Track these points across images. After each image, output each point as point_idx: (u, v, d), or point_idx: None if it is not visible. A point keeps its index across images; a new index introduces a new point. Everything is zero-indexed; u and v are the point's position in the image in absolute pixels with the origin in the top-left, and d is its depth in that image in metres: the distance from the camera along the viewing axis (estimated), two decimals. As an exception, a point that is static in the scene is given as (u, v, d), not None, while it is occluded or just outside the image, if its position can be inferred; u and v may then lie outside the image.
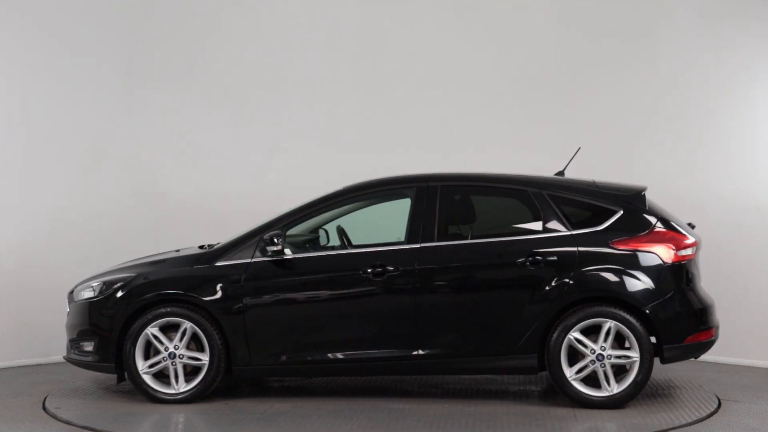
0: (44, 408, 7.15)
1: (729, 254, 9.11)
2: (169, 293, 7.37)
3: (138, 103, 10.05)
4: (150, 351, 7.40)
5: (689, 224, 7.52)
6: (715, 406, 7.09)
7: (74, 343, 7.64)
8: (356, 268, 7.26)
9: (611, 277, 7.00)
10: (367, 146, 10.49)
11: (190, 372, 7.36)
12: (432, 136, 10.50)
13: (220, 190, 10.34)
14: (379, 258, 7.26)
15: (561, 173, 7.91)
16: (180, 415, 6.96)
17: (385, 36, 10.69)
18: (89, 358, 7.52)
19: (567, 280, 7.02)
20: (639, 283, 6.97)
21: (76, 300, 7.75)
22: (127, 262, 8.15)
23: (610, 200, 7.27)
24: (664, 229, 7.11)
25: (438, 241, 7.28)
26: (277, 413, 6.97)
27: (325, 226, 7.92)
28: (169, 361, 7.30)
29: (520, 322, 7.05)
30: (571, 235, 7.14)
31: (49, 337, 9.31)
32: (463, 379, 8.03)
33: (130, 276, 7.59)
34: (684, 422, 6.56)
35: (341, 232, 7.82)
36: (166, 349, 7.30)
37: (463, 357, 7.20)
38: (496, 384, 7.92)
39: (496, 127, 10.36)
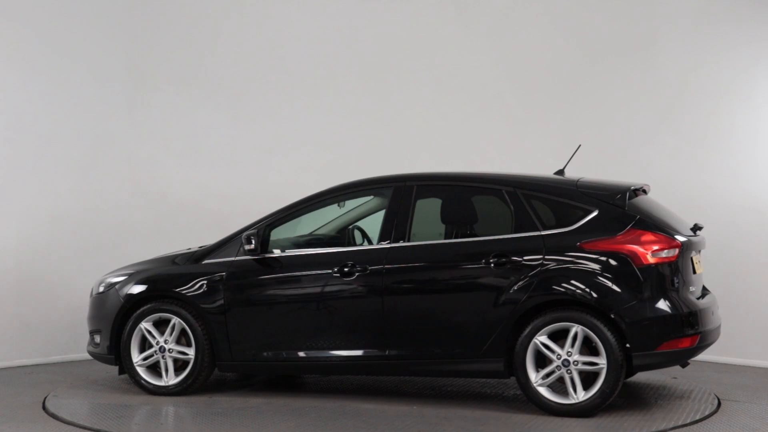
0: (44, 408, 7.15)
1: (729, 254, 9.11)
2: (159, 290, 7.67)
3: (138, 103, 10.05)
4: (145, 345, 7.68)
5: (696, 226, 7.26)
6: (715, 406, 7.08)
7: (90, 336, 8.01)
8: (328, 267, 7.29)
9: (577, 280, 6.68)
10: (367, 146, 10.49)
11: (181, 366, 7.61)
12: (432, 135, 10.50)
13: (220, 190, 10.34)
14: (350, 258, 7.27)
15: (561, 172, 7.67)
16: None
17: (385, 36, 10.69)
18: (98, 350, 7.89)
19: (532, 283, 6.74)
20: (606, 286, 6.62)
21: (92, 294, 8.10)
22: (143, 260, 8.33)
23: (586, 200, 6.92)
24: (640, 230, 6.72)
25: (409, 241, 7.19)
26: (242, 407, 7.14)
27: (350, 226, 7.86)
28: (159, 355, 7.59)
29: (485, 325, 6.83)
30: (540, 235, 6.85)
31: (49, 337, 9.32)
32: (457, 381, 7.96)
33: (130, 272, 7.89)
34: (684, 422, 6.56)
35: (361, 232, 7.83)
36: (158, 343, 7.59)
37: (431, 359, 7.05)
38: (491, 387, 7.91)
39: (496, 127, 10.37)
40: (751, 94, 9.27)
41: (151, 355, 7.60)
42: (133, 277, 7.79)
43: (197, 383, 7.55)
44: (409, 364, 7.17)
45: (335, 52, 10.73)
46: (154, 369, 7.66)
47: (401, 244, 7.18)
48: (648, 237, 6.70)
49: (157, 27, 10.19)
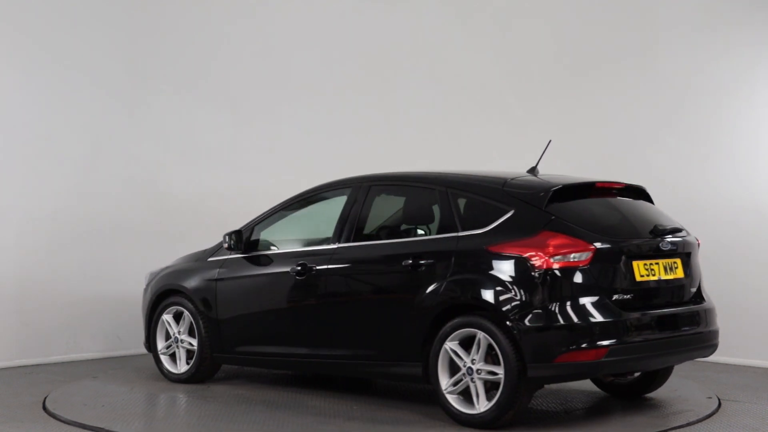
0: (44, 408, 7.15)
1: (729, 254, 9.11)
2: (174, 285, 8.18)
3: (138, 103, 10.05)
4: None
5: (658, 229, 6.58)
6: (715, 406, 7.07)
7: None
8: (286, 266, 7.44)
9: (480, 284, 6.30)
10: (367, 146, 10.50)
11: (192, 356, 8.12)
12: (432, 135, 10.51)
13: (220, 190, 10.35)
14: (303, 257, 7.39)
15: (533, 169, 7.21)
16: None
17: (385, 37, 10.69)
18: (144, 341, 8.53)
19: (442, 286, 6.47)
20: (505, 291, 6.18)
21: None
22: (183, 255, 8.69)
23: (507, 200, 6.49)
24: (551, 232, 6.21)
25: (353, 241, 7.18)
26: (226, 399, 7.37)
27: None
28: (174, 345, 8.13)
29: (404, 329, 6.66)
30: (456, 237, 6.55)
31: (49, 337, 9.32)
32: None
33: (163, 268, 8.48)
34: (684, 422, 6.55)
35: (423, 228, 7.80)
36: (173, 334, 8.14)
37: (362, 360, 7.02)
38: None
39: (496, 127, 10.37)
40: (751, 95, 9.27)
41: (170, 345, 8.17)
42: (161, 273, 8.39)
43: (201, 373, 7.97)
44: (346, 365, 7.18)
45: (335, 52, 10.73)
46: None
47: (344, 245, 7.21)
48: (557, 240, 6.19)
49: (157, 28, 10.19)
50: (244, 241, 7.83)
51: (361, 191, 7.29)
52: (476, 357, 6.27)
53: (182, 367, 8.07)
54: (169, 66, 10.25)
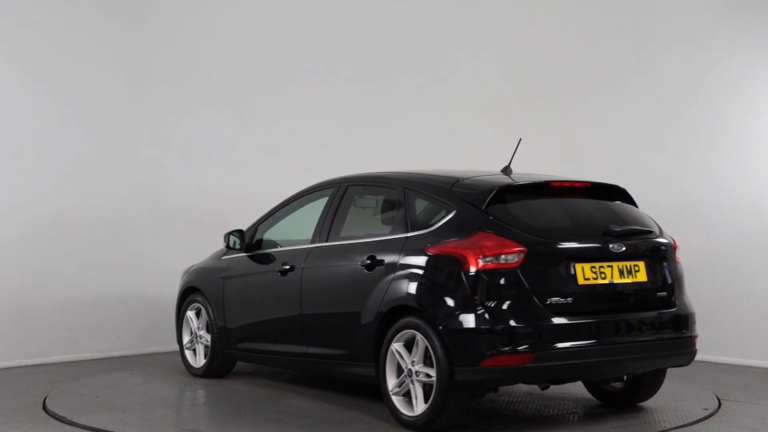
0: (44, 408, 7.15)
1: (729, 254, 9.11)
2: (193, 283, 8.52)
3: (138, 103, 10.05)
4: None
5: (611, 230, 6.31)
6: (715, 406, 7.07)
7: None
8: (276, 265, 7.58)
9: (416, 285, 6.21)
10: (367, 146, 10.50)
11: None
12: (432, 135, 10.51)
13: (220, 190, 10.35)
14: (288, 257, 7.49)
15: (507, 168, 7.06)
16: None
17: (386, 37, 10.70)
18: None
19: (388, 287, 6.41)
20: (438, 292, 6.09)
21: None
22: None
23: (452, 199, 6.38)
24: (484, 233, 6.06)
25: (326, 241, 7.22)
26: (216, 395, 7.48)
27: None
28: (196, 341, 8.44)
29: (360, 329, 6.63)
30: (404, 237, 6.49)
31: (49, 337, 9.32)
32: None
33: (193, 265, 8.76)
34: (684, 422, 6.55)
35: None
36: (194, 330, 8.48)
37: (329, 360, 7.04)
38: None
39: (496, 127, 10.37)
40: (751, 95, 9.27)
41: (192, 341, 8.50)
42: (189, 270, 8.74)
43: (214, 368, 8.27)
44: (316, 364, 7.23)
45: (335, 52, 10.73)
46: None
47: (318, 245, 7.28)
48: (488, 241, 6.01)
49: (157, 28, 10.19)
50: (248, 241, 7.96)
51: (338, 192, 7.35)
52: (416, 359, 6.20)
53: (200, 362, 8.39)
54: (169, 66, 10.25)
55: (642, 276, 6.35)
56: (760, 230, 9.02)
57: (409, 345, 6.28)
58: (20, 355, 9.14)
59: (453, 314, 5.97)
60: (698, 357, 9.12)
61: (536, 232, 6.12)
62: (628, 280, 6.29)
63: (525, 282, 5.94)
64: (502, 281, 5.93)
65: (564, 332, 5.96)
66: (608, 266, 6.20)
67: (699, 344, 9.19)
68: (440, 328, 5.99)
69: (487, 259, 5.94)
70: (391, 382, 6.36)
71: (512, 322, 5.87)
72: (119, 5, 9.96)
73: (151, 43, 10.15)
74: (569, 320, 5.99)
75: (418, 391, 6.18)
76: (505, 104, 10.41)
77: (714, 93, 9.41)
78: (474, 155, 10.14)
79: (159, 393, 7.80)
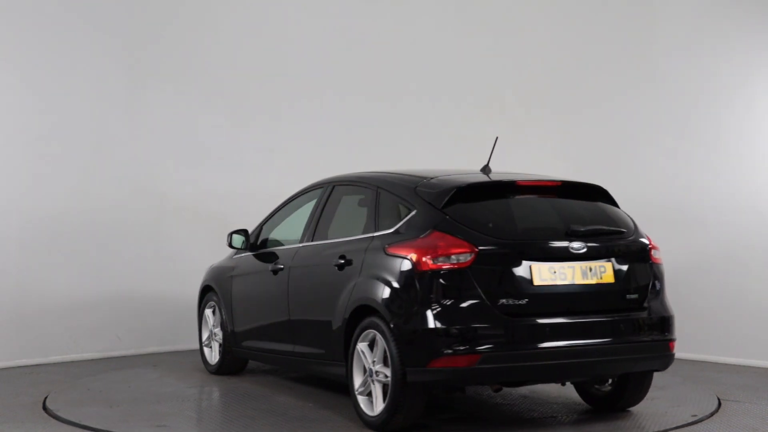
0: (44, 408, 7.14)
1: (729, 254, 9.11)
2: (208, 282, 8.68)
3: (138, 103, 10.05)
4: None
5: (573, 231, 6.14)
6: (715, 406, 7.07)
7: None
8: (269, 265, 7.66)
9: (375, 285, 6.19)
10: (367, 146, 10.50)
11: None
12: (432, 135, 10.51)
13: (220, 190, 10.35)
14: (279, 256, 7.58)
15: (486, 167, 6.98)
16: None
17: (385, 36, 10.70)
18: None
19: (354, 287, 6.41)
20: (393, 292, 6.03)
21: None
22: None
23: (415, 199, 6.32)
24: (438, 233, 5.99)
25: (312, 241, 7.27)
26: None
27: None
28: (211, 338, 8.58)
29: (332, 328, 6.66)
30: (370, 237, 6.48)
31: (49, 337, 9.32)
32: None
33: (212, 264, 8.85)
34: (684, 422, 6.54)
35: None
36: (210, 328, 8.62)
37: (311, 359, 7.07)
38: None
39: (496, 127, 10.38)
40: (751, 96, 9.26)
41: (209, 338, 8.65)
42: (208, 269, 8.84)
43: (226, 365, 8.39)
44: (304, 362, 7.26)
45: (335, 52, 10.73)
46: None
47: (304, 244, 7.34)
48: (440, 241, 5.94)
49: (157, 27, 10.19)
50: (254, 240, 8.04)
51: (326, 192, 7.40)
52: (376, 359, 6.18)
53: (215, 359, 8.52)
54: (168, 66, 10.25)
55: (609, 277, 6.16)
56: (761, 230, 9.02)
57: (373, 345, 6.25)
58: (20, 355, 9.14)
59: (404, 314, 5.94)
60: (698, 357, 9.17)
61: (491, 232, 6.02)
62: (592, 281, 6.10)
63: (475, 282, 5.85)
64: (451, 282, 5.85)
65: (514, 334, 5.85)
66: (569, 267, 6.05)
67: (699, 344, 9.21)
68: (393, 328, 5.96)
69: (438, 259, 5.88)
70: (357, 381, 6.35)
71: (459, 323, 5.80)
72: (119, 6, 9.96)
73: (151, 43, 10.15)
74: (522, 322, 5.87)
75: (377, 391, 6.17)
76: (505, 104, 10.41)
77: (714, 93, 9.41)
78: (474, 155, 10.13)
79: (162, 389, 7.83)
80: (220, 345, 8.44)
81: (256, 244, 8.03)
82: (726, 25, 9.39)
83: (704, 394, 7.48)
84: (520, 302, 5.90)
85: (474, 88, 10.51)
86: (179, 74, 10.29)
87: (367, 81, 10.72)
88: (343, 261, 6.60)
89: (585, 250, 6.08)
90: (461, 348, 5.76)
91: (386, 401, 6.05)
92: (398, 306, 6.00)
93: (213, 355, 8.56)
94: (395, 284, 6.05)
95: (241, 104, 10.56)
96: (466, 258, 5.86)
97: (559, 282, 6.01)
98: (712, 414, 6.82)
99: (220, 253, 9.91)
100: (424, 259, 5.90)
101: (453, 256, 5.87)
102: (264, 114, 10.61)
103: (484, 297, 5.84)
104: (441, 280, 5.86)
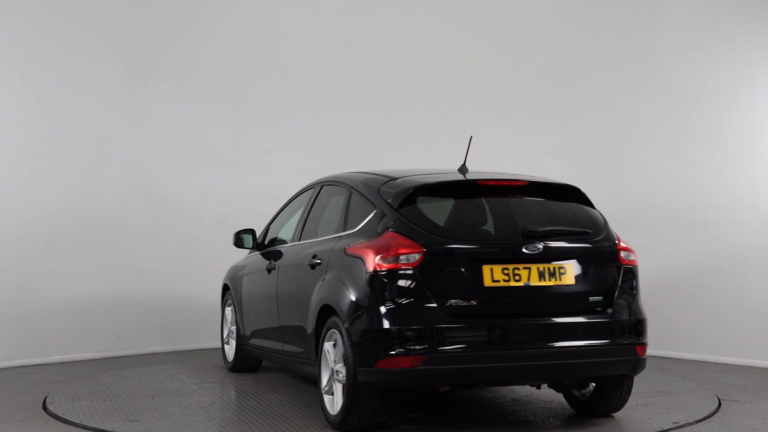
0: (44, 408, 7.14)
1: (730, 254, 9.11)
2: (226, 281, 8.88)
3: (138, 103, 10.06)
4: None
5: (531, 232, 6.01)
6: (715, 406, 7.06)
7: None
8: (265, 264, 7.80)
9: (335, 285, 6.21)
10: (367, 146, 10.50)
11: None
12: (432, 135, 10.51)
13: (220, 190, 10.36)
14: (274, 256, 7.66)
15: (463, 167, 6.85)
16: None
17: (385, 36, 10.69)
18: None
19: (320, 287, 6.44)
20: (348, 293, 6.03)
21: None
22: None
23: (376, 199, 6.29)
24: (391, 233, 5.96)
25: (300, 240, 7.32)
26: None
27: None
28: (230, 336, 8.74)
29: (306, 328, 6.68)
30: (337, 237, 6.50)
31: (49, 337, 9.32)
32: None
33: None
34: (684, 422, 6.54)
35: None
36: (229, 327, 8.81)
37: (294, 357, 7.10)
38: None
39: (496, 127, 10.37)
40: (753, 96, 9.26)
41: (228, 335, 8.83)
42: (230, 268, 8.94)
43: (240, 363, 8.55)
44: (290, 361, 7.28)
45: (335, 51, 10.73)
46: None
47: (292, 244, 7.43)
48: (390, 242, 5.90)
49: (157, 27, 10.19)
50: (261, 239, 8.10)
51: (314, 192, 7.46)
52: (337, 358, 6.17)
53: (231, 356, 8.68)
54: (169, 66, 10.25)
55: (568, 279, 5.99)
56: (761, 230, 9.02)
57: (336, 345, 6.24)
58: (20, 355, 9.14)
59: (355, 314, 5.93)
60: (698, 357, 9.17)
61: (442, 233, 5.97)
62: (550, 282, 5.95)
63: (423, 283, 5.78)
64: (399, 282, 5.79)
65: (460, 335, 5.75)
66: (525, 268, 5.92)
67: (699, 344, 9.21)
68: (347, 328, 5.96)
69: (387, 259, 5.83)
70: (324, 380, 6.35)
71: (404, 324, 5.74)
72: (120, 6, 9.96)
73: (151, 43, 10.15)
74: (469, 323, 5.78)
75: (337, 391, 6.15)
76: (505, 104, 10.41)
77: (715, 93, 9.41)
78: (474, 155, 10.14)
79: (167, 386, 7.94)
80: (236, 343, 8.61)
81: (263, 243, 8.07)
82: (727, 27, 9.39)
83: (704, 394, 7.47)
84: (469, 303, 5.82)
85: (474, 88, 10.50)
86: (179, 74, 10.29)
87: (368, 81, 10.72)
88: (315, 261, 6.64)
89: (541, 251, 5.95)
90: (405, 349, 5.71)
91: (342, 401, 6.05)
92: (352, 306, 5.97)
93: (231, 353, 8.73)
94: (350, 284, 6.04)
95: (241, 104, 10.56)
96: (414, 258, 5.81)
97: (513, 283, 5.89)
98: (712, 414, 6.81)
99: (220, 253, 9.93)
100: (374, 259, 5.86)
101: (402, 257, 5.81)
102: (264, 114, 10.61)
103: (431, 298, 5.78)
104: (390, 281, 5.80)
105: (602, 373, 6.21)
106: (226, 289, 8.96)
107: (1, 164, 9.16)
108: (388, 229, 6.01)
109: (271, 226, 8.18)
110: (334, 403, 6.19)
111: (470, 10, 10.65)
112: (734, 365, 8.91)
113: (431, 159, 10.09)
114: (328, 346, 6.28)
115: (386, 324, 5.75)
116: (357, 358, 5.87)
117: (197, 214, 10.24)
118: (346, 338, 5.97)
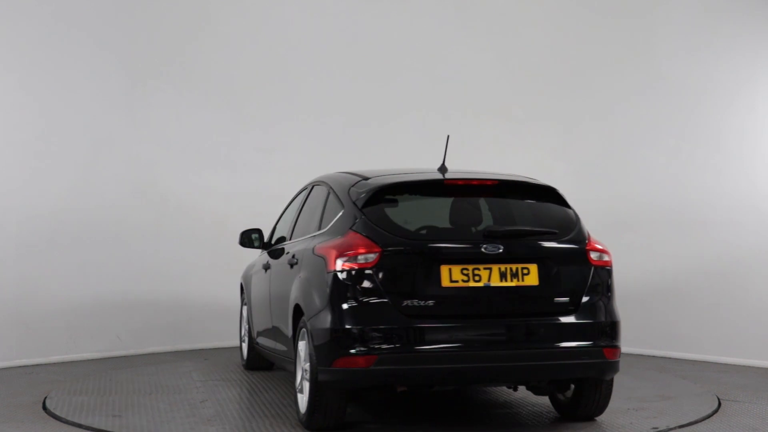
0: (44, 408, 7.14)
1: (730, 254, 9.11)
2: (241, 280, 9.01)
3: (138, 103, 10.06)
4: None
5: (492, 231, 5.95)
6: (715, 406, 7.06)
7: None
8: (263, 263, 7.88)
9: (303, 285, 6.26)
10: (367, 146, 10.50)
11: None
12: (432, 135, 10.50)
13: (220, 190, 10.36)
14: (271, 255, 7.71)
15: (442, 167, 6.79)
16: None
17: (385, 37, 10.70)
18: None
19: (292, 286, 6.49)
20: (312, 292, 6.07)
21: None
22: None
23: (345, 199, 6.29)
24: (353, 233, 5.95)
25: (291, 240, 7.36)
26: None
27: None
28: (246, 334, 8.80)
29: (287, 327, 6.70)
30: (312, 237, 6.53)
31: (49, 337, 9.32)
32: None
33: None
34: (684, 422, 6.53)
35: None
36: (244, 325, 8.87)
37: (282, 356, 7.14)
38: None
39: (496, 127, 10.37)
40: (753, 96, 9.27)
41: (244, 334, 8.93)
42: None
43: (252, 360, 8.66)
44: (279, 359, 7.33)
45: (335, 52, 10.73)
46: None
47: (284, 243, 7.47)
48: (349, 241, 5.89)
49: (157, 27, 10.19)
50: (268, 238, 8.14)
51: (307, 192, 7.49)
52: (305, 357, 6.18)
53: (245, 354, 8.81)
54: (169, 66, 10.25)
55: (532, 279, 5.88)
56: (761, 230, 9.02)
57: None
58: (20, 355, 9.14)
59: (315, 314, 5.96)
60: (698, 357, 9.17)
61: (400, 232, 5.92)
62: (512, 283, 5.85)
63: (379, 283, 5.75)
64: (357, 282, 5.76)
65: (415, 335, 5.71)
66: (486, 268, 5.83)
67: (699, 344, 9.21)
68: (310, 328, 5.99)
69: (344, 259, 5.81)
70: (297, 379, 6.38)
71: (360, 324, 5.71)
72: (119, 5, 9.96)
73: (151, 43, 10.15)
74: (425, 323, 5.73)
75: (305, 389, 6.16)
76: (505, 105, 10.41)
77: (715, 93, 9.41)
78: (474, 155, 10.14)
79: (171, 382, 8.04)
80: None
81: (270, 242, 8.09)
82: (727, 27, 9.39)
83: (704, 394, 7.47)
84: (425, 304, 5.76)
85: (474, 88, 10.50)
86: (179, 74, 10.30)
87: (368, 82, 10.72)
88: (293, 260, 6.71)
89: (502, 251, 5.86)
90: (360, 349, 5.70)
91: (307, 401, 6.09)
92: (313, 306, 6.02)
93: (246, 351, 8.83)
94: (315, 284, 6.07)
95: (241, 104, 10.56)
96: (371, 258, 5.77)
97: (472, 284, 5.81)
98: (712, 414, 6.80)
99: (219, 254, 9.93)
100: (333, 259, 5.86)
101: (360, 257, 5.79)
102: (264, 114, 10.62)
103: (387, 298, 5.75)
104: (347, 281, 5.79)
105: (566, 376, 6.11)
106: (242, 287, 9.08)
107: (1, 164, 9.16)
108: (350, 229, 6.00)
109: (278, 225, 8.24)
110: (303, 401, 6.21)
111: (470, 12, 10.65)
112: (734, 365, 8.90)
113: (431, 159, 10.10)
114: (301, 345, 6.29)
115: (342, 323, 5.74)
116: (318, 357, 5.89)
117: (197, 214, 10.24)
118: (309, 337, 6.01)
